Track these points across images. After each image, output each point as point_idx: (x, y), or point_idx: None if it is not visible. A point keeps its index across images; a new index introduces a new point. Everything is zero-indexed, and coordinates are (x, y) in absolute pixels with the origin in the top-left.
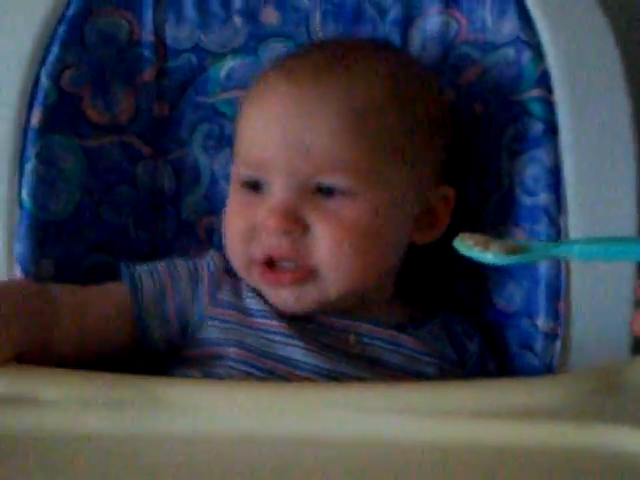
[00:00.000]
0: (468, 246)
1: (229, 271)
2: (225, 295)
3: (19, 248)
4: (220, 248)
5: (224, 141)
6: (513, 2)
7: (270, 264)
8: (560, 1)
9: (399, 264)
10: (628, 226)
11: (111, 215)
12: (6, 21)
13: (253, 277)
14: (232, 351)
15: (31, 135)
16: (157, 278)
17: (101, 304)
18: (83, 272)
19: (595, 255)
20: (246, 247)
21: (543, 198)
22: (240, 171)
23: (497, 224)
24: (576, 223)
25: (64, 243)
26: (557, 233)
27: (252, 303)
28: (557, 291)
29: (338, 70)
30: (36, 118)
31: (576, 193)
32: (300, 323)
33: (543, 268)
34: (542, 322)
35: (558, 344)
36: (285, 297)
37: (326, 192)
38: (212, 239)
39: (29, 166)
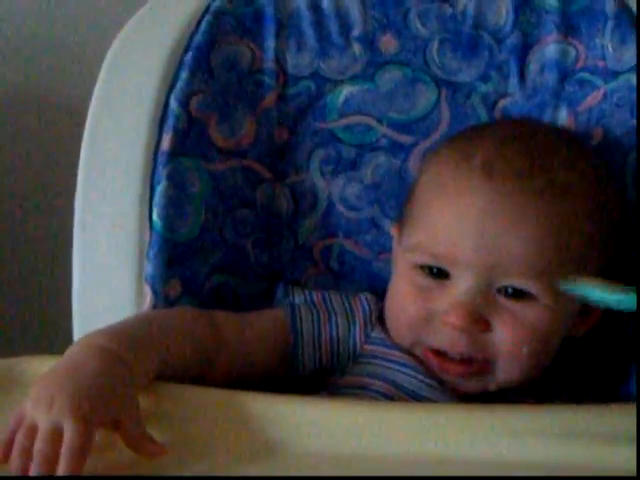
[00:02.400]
0: (593, 288)
1: (382, 318)
2: (378, 333)
3: (149, 269)
4: (335, 271)
5: (341, 166)
6: (634, 30)
7: (438, 352)
8: None
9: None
10: None
11: (232, 237)
12: (138, 48)
13: (418, 352)
14: (379, 384)
15: (161, 158)
16: (314, 310)
17: (261, 331)
18: (206, 292)
19: None
20: (417, 332)
21: None
22: (423, 259)
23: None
24: None
25: (190, 264)
26: None
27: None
28: None
29: (541, 179)
30: (167, 142)
31: None
32: None
33: None
34: None
35: None
36: (448, 379)
37: (512, 294)
38: (328, 263)
39: (160, 188)
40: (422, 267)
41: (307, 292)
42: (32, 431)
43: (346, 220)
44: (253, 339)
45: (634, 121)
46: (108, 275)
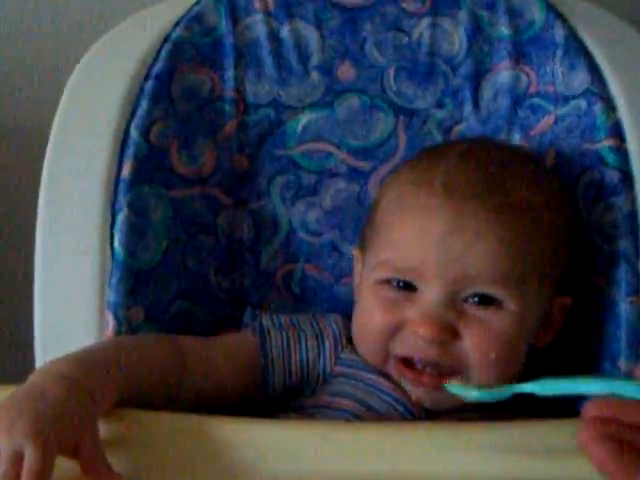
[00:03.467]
0: (457, 387)
1: (350, 338)
2: (347, 354)
3: (111, 296)
4: (297, 296)
5: (301, 192)
6: (582, 57)
7: (409, 362)
8: (628, 54)
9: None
10: None
11: (194, 263)
12: (96, 77)
13: (388, 369)
14: (348, 404)
15: (122, 186)
16: (284, 333)
17: (229, 354)
18: (169, 319)
19: (553, 391)
20: (385, 344)
21: (622, 245)
22: (388, 274)
23: (579, 272)
24: None
25: (152, 290)
26: (637, 279)
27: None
28: (638, 334)
29: (497, 198)
30: (127, 169)
31: None
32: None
33: (623, 312)
34: (624, 364)
35: None
36: (421, 396)
37: (478, 301)
38: (290, 287)
39: (121, 215)
40: (388, 281)
41: (275, 316)
42: None
43: (307, 245)
44: (221, 362)
45: (585, 145)
46: (70, 303)
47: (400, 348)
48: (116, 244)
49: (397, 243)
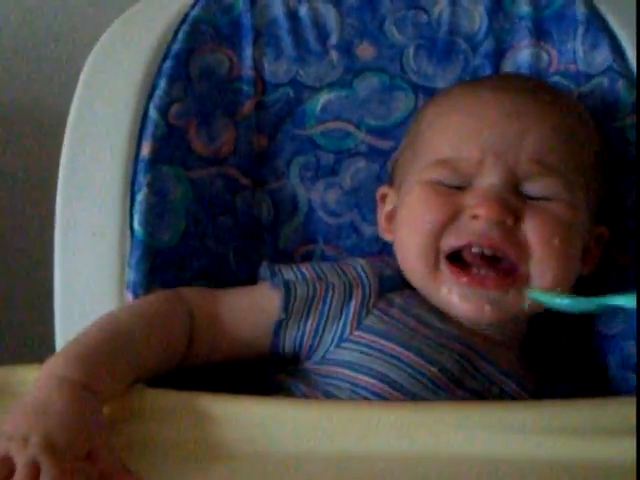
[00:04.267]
0: (545, 296)
1: (381, 284)
2: (372, 321)
3: (131, 275)
4: None
5: (320, 172)
6: (605, 35)
7: (457, 263)
8: None
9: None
10: None
11: (213, 244)
12: (115, 58)
13: (435, 276)
14: (366, 380)
15: (141, 166)
16: (310, 285)
17: (250, 313)
18: None
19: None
20: (437, 238)
21: None
22: (438, 172)
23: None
24: None
25: (171, 270)
26: None
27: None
28: None
29: (548, 95)
30: (146, 149)
31: None
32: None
33: None
34: None
35: None
36: (478, 305)
37: (533, 195)
38: None
39: (140, 195)
40: (440, 182)
41: (296, 268)
42: (7, 466)
43: (326, 225)
44: (232, 320)
45: (608, 122)
46: (90, 283)
47: (454, 239)
48: (135, 224)
49: (448, 139)
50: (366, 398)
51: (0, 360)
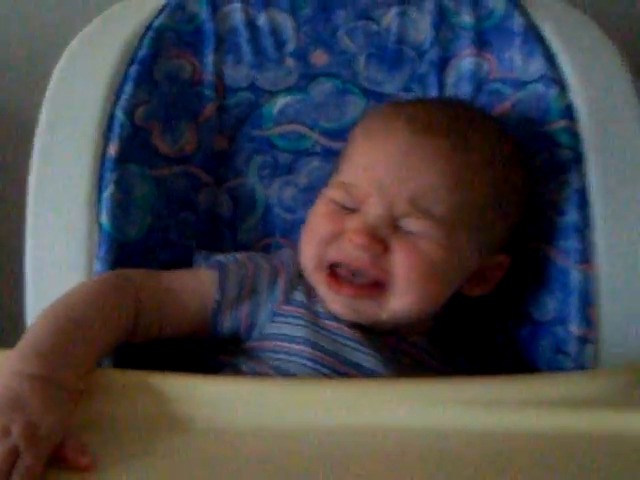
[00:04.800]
0: None
1: (301, 272)
2: (298, 295)
3: (98, 267)
4: None
5: (277, 171)
6: (539, 44)
7: (336, 273)
8: (581, 42)
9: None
10: None
11: (177, 238)
12: (83, 62)
13: (317, 279)
14: (302, 349)
15: (109, 164)
16: (242, 266)
17: (189, 289)
18: None
19: None
20: (323, 249)
21: (573, 217)
22: (336, 193)
23: (533, 241)
24: (602, 238)
25: (137, 263)
26: (585, 248)
27: (323, 307)
28: (588, 299)
29: (455, 137)
30: (113, 149)
31: (601, 211)
32: (365, 333)
33: (574, 279)
34: (575, 328)
35: (591, 348)
36: (342, 306)
37: (412, 226)
38: None
39: (107, 192)
40: (336, 203)
41: (228, 254)
42: None
43: (282, 221)
44: (177, 300)
45: (540, 126)
46: (60, 274)
47: (333, 253)
48: (103, 219)
49: (356, 164)
50: (303, 365)
51: None
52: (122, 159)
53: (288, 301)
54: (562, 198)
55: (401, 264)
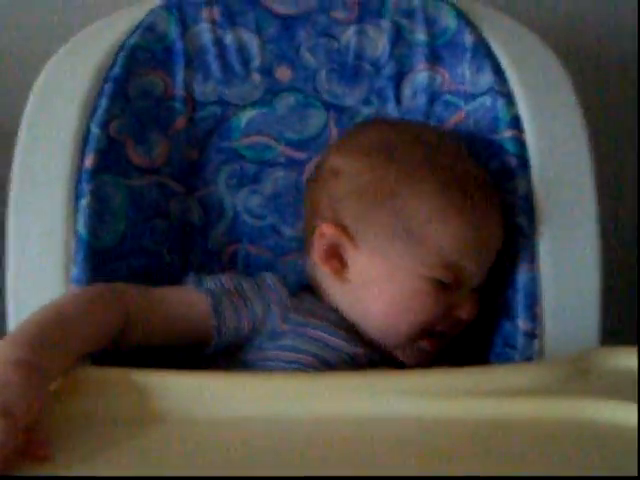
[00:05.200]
0: None
1: (289, 288)
2: (294, 316)
3: (75, 272)
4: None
5: (244, 180)
6: (488, 59)
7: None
8: (527, 57)
9: None
10: (589, 239)
11: (150, 244)
12: (61, 80)
13: (403, 341)
14: (299, 357)
15: (85, 175)
16: (231, 298)
17: (176, 310)
18: None
19: None
20: (430, 325)
21: (520, 220)
22: (443, 273)
23: None
24: (546, 241)
25: (112, 267)
26: (532, 250)
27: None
28: (534, 297)
29: (486, 184)
30: (89, 161)
31: (545, 214)
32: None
33: (521, 279)
34: (522, 323)
35: (536, 342)
36: (420, 359)
37: None
38: (235, 266)
39: (83, 202)
40: (437, 281)
41: (218, 279)
42: None
43: (250, 227)
44: (167, 317)
45: (490, 135)
46: (39, 279)
47: (440, 326)
48: (80, 226)
49: (458, 247)
50: (300, 370)
51: None
52: (98, 170)
53: (287, 321)
54: (509, 204)
55: (465, 319)
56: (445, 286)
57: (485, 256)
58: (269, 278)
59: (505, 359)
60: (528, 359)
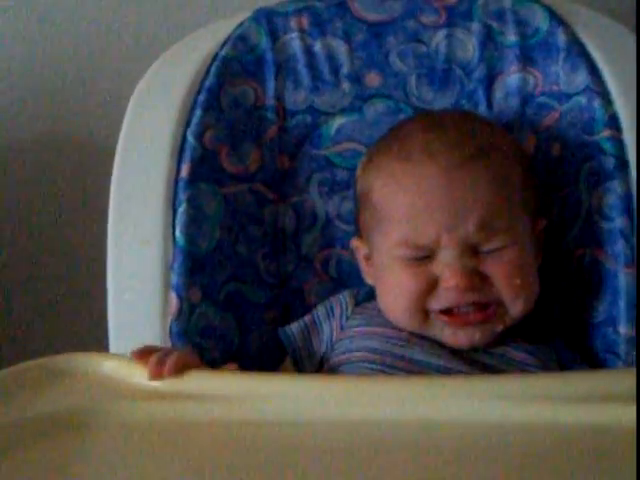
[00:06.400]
0: None
1: (356, 299)
2: (353, 319)
3: (174, 278)
4: (334, 278)
5: (336, 187)
6: (583, 58)
7: (450, 312)
8: (623, 54)
9: None
10: None
11: (244, 250)
12: (157, 92)
13: (429, 329)
14: (360, 355)
15: (182, 184)
16: (301, 321)
17: None
18: (222, 298)
19: None
20: (423, 303)
21: (619, 222)
22: (408, 252)
23: (580, 247)
24: None
25: (208, 273)
26: (632, 251)
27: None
28: (635, 300)
29: (471, 146)
30: (185, 170)
31: None
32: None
33: (622, 282)
34: (624, 329)
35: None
36: (467, 336)
37: (488, 252)
38: (327, 271)
39: (181, 209)
40: (409, 260)
41: (301, 320)
42: None
43: (342, 233)
44: None
45: (586, 136)
46: (139, 285)
47: (438, 303)
48: (177, 233)
49: (409, 220)
50: (365, 367)
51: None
52: (193, 179)
53: (344, 328)
54: (608, 204)
55: (498, 280)
56: (419, 260)
57: (447, 219)
58: (343, 294)
59: (606, 366)
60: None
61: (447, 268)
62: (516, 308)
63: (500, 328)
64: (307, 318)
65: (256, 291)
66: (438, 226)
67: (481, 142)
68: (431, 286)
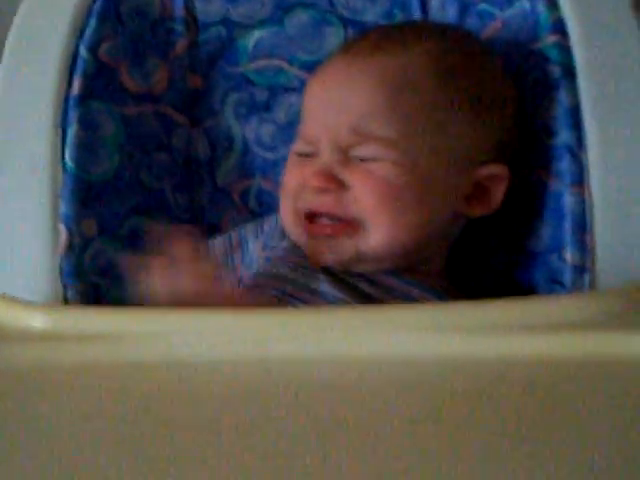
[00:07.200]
0: None
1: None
2: (274, 242)
3: (63, 208)
4: (254, 212)
5: (254, 108)
6: None
7: (312, 219)
8: None
9: (451, 238)
10: None
11: (150, 180)
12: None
13: (298, 231)
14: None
15: (72, 102)
16: (228, 239)
17: None
18: (124, 233)
19: None
20: (294, 203)
21: (565, 137)
22: (297, 145)
23: (522, 167)
24: (596, 159)
25: (106, 204)
26: (580, 169)
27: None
28: (583, 224)
29: (377, 34)
30: (76, 86)
31: (595, 130)
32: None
33: (568, 203)
34: (570, 256)
35: (587, 277)
36: (321, 249)
37: (362, 159)
38: (247, 204)
39: (71, 130)
40: (300, 154)
41: (227, 236)
42: None
43: (262, 161)
44: None
45: (530, 44)
46: (24, 216)
47: (302, 203)
48: (67, 158)
49: (305, 111)
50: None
51: None
52: (86, 96)
53: (265, 249)
54: (553, 117)
55: (360, 194)
56: (305, 156)
57: (324, 117)
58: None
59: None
60: None
61: (312, 166)
62: (377, 234)
63: (351, 250)
64: (233, 233)
65: (165, 226)
66: (319, 124)
67: (394, 34)
68: (303, 186)
